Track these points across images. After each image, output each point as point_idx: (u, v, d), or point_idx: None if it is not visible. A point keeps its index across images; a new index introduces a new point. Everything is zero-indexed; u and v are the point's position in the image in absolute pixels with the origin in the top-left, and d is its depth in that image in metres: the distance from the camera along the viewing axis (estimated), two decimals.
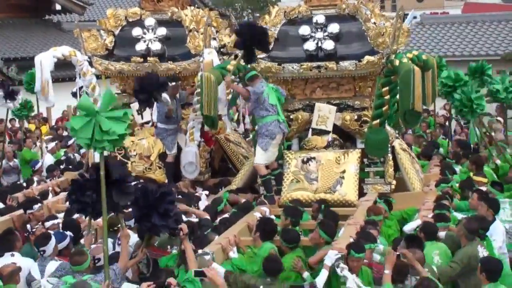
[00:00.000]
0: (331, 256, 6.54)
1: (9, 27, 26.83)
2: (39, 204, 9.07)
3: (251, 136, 14.64)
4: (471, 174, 10.65)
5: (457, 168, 11.47)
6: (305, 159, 9.66)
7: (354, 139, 10.28)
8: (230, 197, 9.36)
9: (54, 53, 11.17)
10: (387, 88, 9.34)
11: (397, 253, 6.52)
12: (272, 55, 9.98)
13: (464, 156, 12.30)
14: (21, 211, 9.11)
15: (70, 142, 15.47)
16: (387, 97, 9.41)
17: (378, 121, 9.48)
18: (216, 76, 9.18)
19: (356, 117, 10.01)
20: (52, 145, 15.92)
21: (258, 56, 9.80)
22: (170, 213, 6.31)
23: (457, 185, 10.19)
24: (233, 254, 7.14)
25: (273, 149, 9.49)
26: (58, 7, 27.76)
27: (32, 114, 16.26)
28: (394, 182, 9.95)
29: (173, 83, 10.81)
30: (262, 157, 9.49)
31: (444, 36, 23.20)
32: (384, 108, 9.46)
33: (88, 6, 28.54)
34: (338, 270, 6.33)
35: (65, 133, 18.08)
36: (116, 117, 5.78)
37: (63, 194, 10.51)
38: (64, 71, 24.21)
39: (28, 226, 8.54)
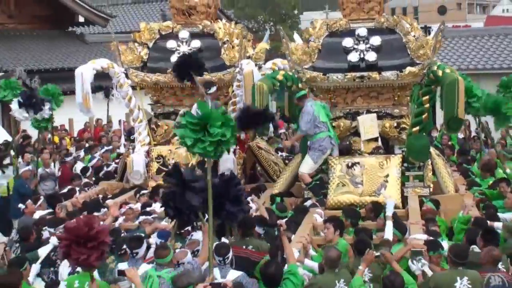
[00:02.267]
0: (389, 207, 7.59)
1: (32, 39, 27.10)
2: (105, 209, 9.50)
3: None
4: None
5: None
6: (349, 164, 10.19)
7: (391, 145, 10.83)
8: None
9: (94, 66, 11.55)
10: (427, 97, 9.99)
11: (377, 254, 6.95)
12: (316, 65, 10.51)
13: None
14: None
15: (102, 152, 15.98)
16: (427, 105, 10.06)
17: (417, 128, 10.12)
18: (268, 86, 9.74)
19: (395, 124, 10.58)
20: (82, 153, 16.34)
21: (304, 67, 10.35)
22: (241, 198, 6.74)
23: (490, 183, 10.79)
24: (312, 251, 7.73)
25: (321, 161, 10.21)
26: (81, 19, 28.00)
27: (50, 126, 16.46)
28: (432, 185, 10.46)
29: (214, 88, 11.28)
30: (309, 167, 10.22)
31: (466, 49, 23.19)
32: (424, 116, 10.09)
33: (111, 18, 28.96)
34: (419, 265, 6.89)
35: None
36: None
37: (110, 201, 10.71)
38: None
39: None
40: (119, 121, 22.32)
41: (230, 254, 6.85)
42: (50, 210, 10.55)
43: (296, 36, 11.67)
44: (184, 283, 6.11)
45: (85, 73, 11.34)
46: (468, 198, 9.97)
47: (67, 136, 21.16)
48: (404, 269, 7.01)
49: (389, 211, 7.97)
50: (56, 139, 18.82)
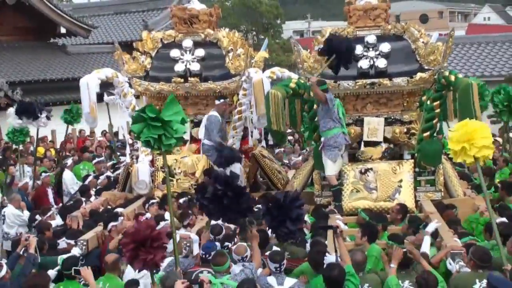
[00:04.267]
0: (432, 225, 7.64)
1: (14, 50, 26.96)
2: (122, 218, 9.43)
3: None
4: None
5: None
6: (362, 170, 10.27)
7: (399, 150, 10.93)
8: None
9: (98, 75, 11.40)
10: (438, 102, 10.16)
11: (404, 249, 7.04)
12: (327, 73, 10.51)
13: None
14: (100, 227, 9.37)
15: (94, 162, 15.85)
16: (438, 110, 10.23)
17: (428, 133, 10.28)
18: (282, 94, 9.79)
19: (405, 130, 10.69)
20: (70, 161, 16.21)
21: (315, 74, 10.39)
22: (301, 217, 6.83)
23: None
24: None
25: (340, 159, 10.20)
26: (63, 30, 27.91)
27: (28, 139, 16.37)
28: (443, 189, 10.59)
29: (221, 100, 11.27)
30: (332, 168, 10.14)
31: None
32: (434, 121, 10.25)
33: (93, 29, 28.87)
34: (457, 267, 7.01)
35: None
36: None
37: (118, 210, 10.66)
38: (68, 94, 24.67)
39: None
40: (102, 132, 22.23)
41: (285, 261, 6.85)
42: (61, 222, 10.50)
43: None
44: (171, 283, 6.28)
45: (90, 83, 11.20)
46: (480, 201, 10.12)
47: (52, 147, 20.97)
48: (443, 272, 7.10)
49: (430, 228, 7.94)
50: (42, 150, 18.69)
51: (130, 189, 11.95)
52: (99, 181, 14.12)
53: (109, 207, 11.19)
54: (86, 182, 13.70)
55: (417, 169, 10.42)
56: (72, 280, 7.25)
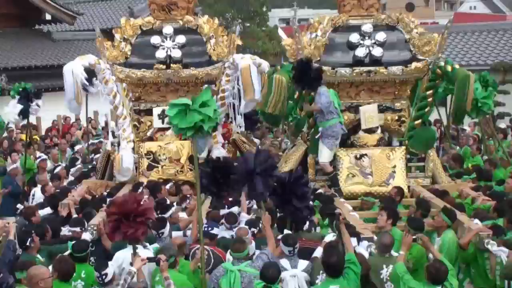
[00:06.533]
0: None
1: None
2: None
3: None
4: None
5: None
6: (358, 156, 10.55)
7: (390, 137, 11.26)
8: None
9: (82, 62, 11.14)
10: (431, 91, 10.47)
11: (414, 236, 7.12)
12: (324, 60, 10.79)
13: None
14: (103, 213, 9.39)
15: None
16: (430, 99, 10.53)
17: (420, 121, 10.58)
18: (286, 79, 10.00)
19: (396, 117, 11.00)
20: (79, 147, 16.23)
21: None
22: (307, 195, 6.99)
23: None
24: None
25: (335, 148, 10.47)
26: (48, 17, 27.74)
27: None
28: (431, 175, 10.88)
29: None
30: (327, 156, 10.42)
31: None
32: (426, 110, 10.56)
33: (78, 16, 28.73)
34: (489, 247, 7.23)
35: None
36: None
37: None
38: (53, 81, 24.60)
39: None
40: (87, 119, 22.17)
41: (298, 245, 6.90)
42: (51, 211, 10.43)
43: (280, 31, 11.91)
44: (165, 255, 6.50)
45: (75, 70, 10.87)
46: (465, 186, 10.37)
47: (36, 135, 20.93)
48: (471, 252, 7.38)
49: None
50: (24, 137, 18.65)
51: (110, 177, 11.84)
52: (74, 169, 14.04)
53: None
54: (57, 171, 13.44)
55: (408, 156, 10.71)
56: (83, 263, 7.26)
